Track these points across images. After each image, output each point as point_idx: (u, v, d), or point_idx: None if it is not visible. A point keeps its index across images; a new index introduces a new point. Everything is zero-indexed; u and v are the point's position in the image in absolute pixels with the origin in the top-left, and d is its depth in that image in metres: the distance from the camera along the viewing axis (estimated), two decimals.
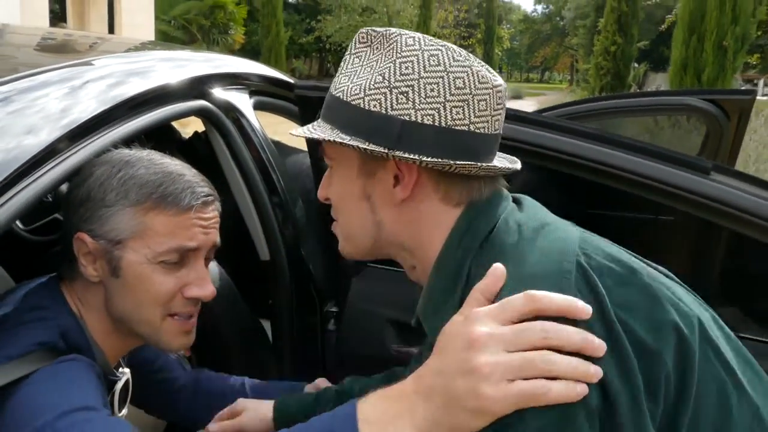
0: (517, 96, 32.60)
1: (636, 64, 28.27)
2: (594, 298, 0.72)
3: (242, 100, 1.64)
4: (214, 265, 1.60)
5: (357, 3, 28.34)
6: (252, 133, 1.61)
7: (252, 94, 1.72)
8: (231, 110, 1.56)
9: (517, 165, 0.93)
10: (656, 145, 1.15)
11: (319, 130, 0.89)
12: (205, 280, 1.05)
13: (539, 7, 64.40)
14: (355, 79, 0.88)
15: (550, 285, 0.71)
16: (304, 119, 1.50)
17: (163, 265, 1.01)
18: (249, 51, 25.06)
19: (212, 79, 1.54)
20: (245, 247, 1.65)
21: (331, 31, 29.03)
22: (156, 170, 1.02)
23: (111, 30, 16.70)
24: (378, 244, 0.93)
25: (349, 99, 0.86)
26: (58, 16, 17.95)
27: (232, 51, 19.75)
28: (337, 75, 0.92)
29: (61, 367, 0.91)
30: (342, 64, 0.92)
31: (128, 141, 1.13)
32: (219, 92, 1.54)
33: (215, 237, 1.07)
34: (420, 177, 0.86)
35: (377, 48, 0.89)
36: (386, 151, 0.83)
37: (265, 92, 1.79)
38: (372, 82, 0.85)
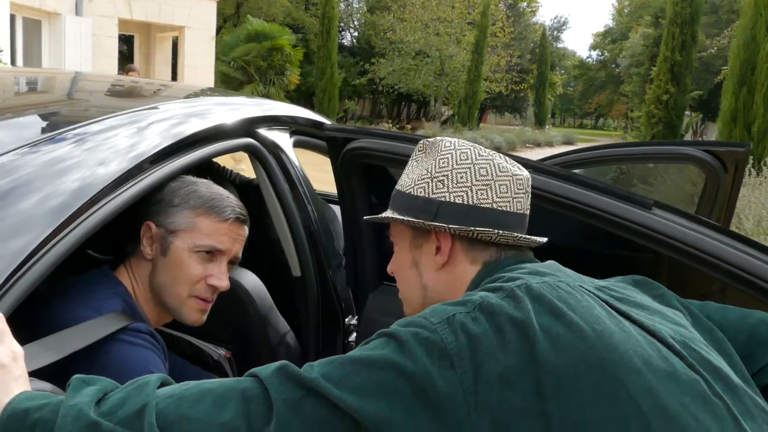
0: (568, 141, 32.61)
1: (690, 113, 27.99)
2: (515, 306, 0.90)
3: (283, 139, 1.92)
4: (255, 278, 1.87)
5: (410, 47, 28.84)
6: (290, 167, 1.88)
7: (292, 133, 2.00)
8: (273, 147, 1.84)
9: (542, 240, 1.15)
10: (609, 184, 1.38)
11: (384, 213, 1.20)
12: (224, 275, 1.42)
13: (594, 54, 64.44)
14: (410, 175, 1.19)
15: (492, 293, 0.94)
16: (331, 156, 1.77)
17: (198, 256, 1.38)
18: (303, 92, 25.69)
19: (259, 121, 1.82)
20: (280, 265, 1.91)
21: (384, 73, 29.58)
22: (211, 190, 1.42)
23: (174, 69, 17.52)
24: (425, 303, 1.13)
25: (404, 190, 1.18)
26: (125, 56, 18.93)
27: (287, 91, 20.39)
28: (401, 176, 1.22)
29: (143, 340, 1.27)
30: (406, 168, 1.22)
31: (189, 170, 1.43)
32: (264, 132, 1.81)
33: (239, 249, 1.46)
34: (454, 245, 1.13)
35: (428, 152, 1.19)
36: (425, 222, 1.11)
37: (304, 132, 2.08)
38: (420, 176, 1.16)
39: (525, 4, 44.61)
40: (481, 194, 1.10)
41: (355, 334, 1.96)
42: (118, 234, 1.61)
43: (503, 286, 0.96)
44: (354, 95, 34.42)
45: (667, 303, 1.09)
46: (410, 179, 1.17)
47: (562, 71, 62.00)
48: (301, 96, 25.35)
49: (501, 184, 1.11)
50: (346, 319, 1.95)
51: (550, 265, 1.09)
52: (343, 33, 36.85)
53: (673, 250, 1.30)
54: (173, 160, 1.37)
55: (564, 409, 0.83)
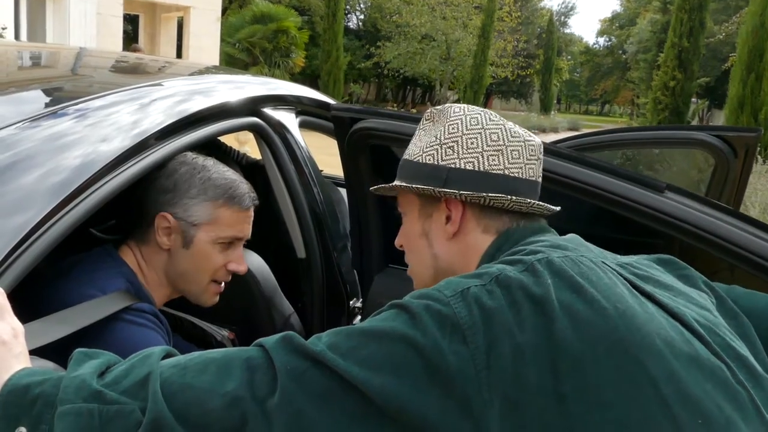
0: (573, 128, 32.43)
1: (697, 100, 27.79)
2: (534, 280, 0.87)
3: (289, 119, 1.89)
4: (259, 260, 1.85)
5: (416, 31, 28.67)
6: (296, 148, 1.85)
7: (298, 114, 1.97)
8: (279, 127, 1.81)
9: (556, 208, 1.12)
10: (620, 167, 1.36)
11: (391, 183, 1.16)
12: (242, 259, 1.45)
13: (601, 40, 64.01)
14: (418, 144, 1.15)
15: (510, 266, 0.90)
16: (338, 136, 1.74)
17: (219, 245, 1.40)
18: (309, 74, 25.60)
19: (265, 100, 1.80)
20: (285, 246, 1.89)
21: (389, 57, 29.40)
22: (224, 176, 1.41)
23: (179, 50, 17.45)
24: (436, 276, 1.10)
25: (411, 158, 1.14)
26: (130, 37, 18.85)
27: (292, 74, 20.31)
28: (408, 145, 1.19)
29: (146, 320, 1.26)
30: (413, 137, 1.19)
31: (192, 148, 1.40)
32: (270, 111, 1.79)
33: (250, 230, 1.48)
34: (465, 213, 1.09)
35: (436, 120, 1.15)
36: (435, 189, 1.07)
37: (309, 112, 2.05)
38: (428, 143, 1.12)
39: None
40: (493, 160, 1.07)
41: (359, 317, 1.94)
42: (120, 213, 1.59)
43: (523, 259, 0.92)
44: (359, 79, 34.26)
45: (693, 284, 1.05)
46: (418, 147, 1.14)
47: (569, 57, 61.56)
48: (306, 79, 25.23)
49: (513, 150, 1.08)
50: (351, 302, 1.94)
51: (572, 238, 1.04)
52: (349, 16, 36.62)
53: (686, 233, 1.28)
54: (177, 138, 1.34)
55: (581, 390, 0.79)
